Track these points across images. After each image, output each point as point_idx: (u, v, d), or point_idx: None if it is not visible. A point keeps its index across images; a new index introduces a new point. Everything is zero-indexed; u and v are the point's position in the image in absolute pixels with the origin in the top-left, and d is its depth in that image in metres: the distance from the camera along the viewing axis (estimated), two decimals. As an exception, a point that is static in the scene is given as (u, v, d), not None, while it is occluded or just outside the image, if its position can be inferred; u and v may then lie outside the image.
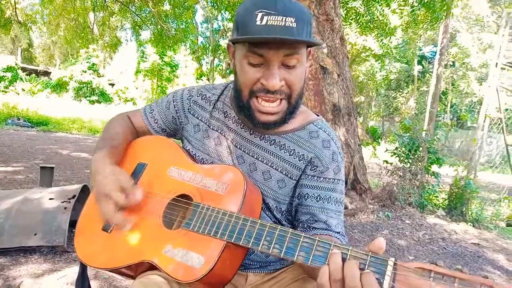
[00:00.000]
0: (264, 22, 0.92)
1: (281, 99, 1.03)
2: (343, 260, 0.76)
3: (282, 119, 1.07)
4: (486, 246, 3.94)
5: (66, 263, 2.65)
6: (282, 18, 0.92)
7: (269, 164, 1.13)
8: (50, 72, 26.78)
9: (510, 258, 3.69)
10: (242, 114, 1.12)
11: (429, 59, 23.63)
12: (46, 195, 2.94)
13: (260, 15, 0.92)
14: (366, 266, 0.73)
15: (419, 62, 23.38)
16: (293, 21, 0.92)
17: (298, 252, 0.82)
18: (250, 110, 1.05)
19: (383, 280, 0.70)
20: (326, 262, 0.77)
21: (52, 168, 3.68)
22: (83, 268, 1.20)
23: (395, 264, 0.71)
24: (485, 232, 4.53)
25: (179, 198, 1.07)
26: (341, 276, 0.74)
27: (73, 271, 2.52)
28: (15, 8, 9.76)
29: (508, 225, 5.17)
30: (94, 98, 23.88)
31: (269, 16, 0.92)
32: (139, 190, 1.02)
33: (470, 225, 4.74)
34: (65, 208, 2.81)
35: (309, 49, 1.09)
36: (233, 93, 1.14)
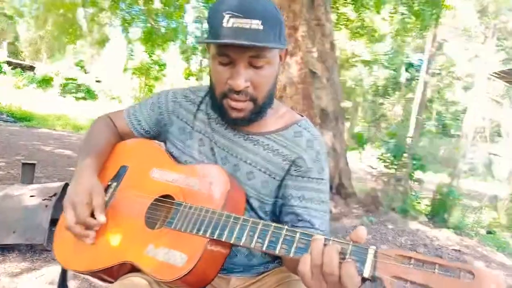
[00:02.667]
0: (230, 25, 0.93)
1: (247, 100, 1.04)
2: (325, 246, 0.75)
3: (249, 116, 1.08)
4: (467, 253, 4.00)
5: (45, 262, 2.60)
6: (249, 21, 0.93)
7: (253, 165, 1.13)
8: (35, 67, 26.39)
9: (490, 265, 3.74)
10: (216, 112, 1.15)
11: (417, 67, 23.92)
12: (27, 192, 2.88)
13: (227, 17, 0.93)
14: (348, 254, 0.72)
15: (407, 70, 23.66)
16: (259, 23, 0.93)
17: (280, 245, 0.81)
18: (223, 109, 1.08)
19: (363, 268, 0.70)
20: (308, 252, 0.77)
21: (34, 164, 3.62)
22: (64, 271, 1.18)
23: (376, 252, 0.71)
24: (466, 239, 4.59)
25: (162, 199, 1.05)
26: (321, 262, 0.73)
27: (52, 271, 2.48)
28: (2, 1, 9.60)
29: (488, 232, 5.26)
30: (80, 95, 23.58)
31: (236, 19, 0.93)
32: (103, 215, 1.00)
33: (452, 231, 4.80)
34: (46, 206, 2.76)
35: (285, 48, 1.10)
36: (209, 91, 1.16)
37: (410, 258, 0.67)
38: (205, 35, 1.05)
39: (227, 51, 0.98)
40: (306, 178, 1.12)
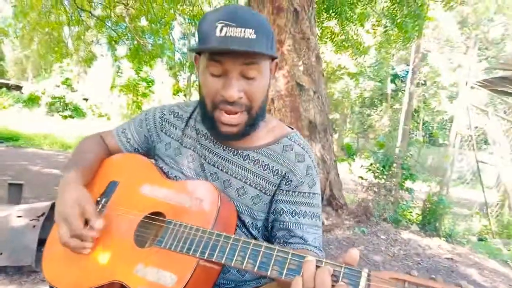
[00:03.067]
0: (223, 34, 0.93)
1: (241, 111, 1.03)
2: (318, 268, 0.74)
3: (243, 131, 1.06)
4: (459, 261, 4.00)
5: (33, 284, 2.53)
6: (241, 30, 0.93)
7: (243, 180, 1.12)
8: (22, 87, 26.15)
9: (483, 272, 3.75)
10: (206, 126, 1.12)
11: (402, 78, 24.27)
12: (14, 213, 2.83)
13: (220, 26, 0.94)
14: (340, 277, 0.72)
15: (392, 81, 24.00)
16: (252, 32, 0.94)
17: (272, 266, 0.80)
18: (213, 122, 1.06)
19: None
20: (300, 274, 0.76)
21: (21, 184, 3.56)
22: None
23: (369, 275, 0.70)
24: (458, 247, 4.60)
25: (152, 216, 1.04)
26: (313, 285, 0.72)
27: (41, 292, 2.42)
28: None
29: (479, 239, 5.28)
30: (67, 113, 23.39)
31: (228, 28, 0.93)
32: (100, 220, 0.99)
33: (444, 240, 4.81)
34: (34, 226, 2.71)
35: (275, 61, 1.10)
36: (199, 103, 1.13)
37: (404, 281, 0.67)
38: (196, 45, 1.03)
39: (220, 59, 0.97)
40: (297, 192, 1.11)
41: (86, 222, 0.99)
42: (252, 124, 1.07)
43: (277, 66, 1.14)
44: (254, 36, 0.94)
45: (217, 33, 0.93)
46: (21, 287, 2.47)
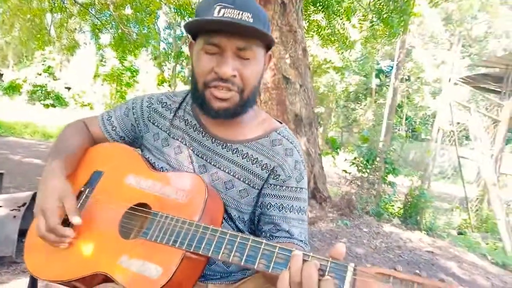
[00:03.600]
0: (221, 14, 0.94)
1: (234, 91, 1.03)
2: (304, 262, 0.75)
3: (234, 109, 1.05)
4: (440, 254, 4.08)
5: (14, 275, 2.49)
6: (239, 12, 0.95)
7: (231, 174, 1.11)
8: (2, 74, 25.54)
9: (462, 265, 3.83)
10: (197, 105, 1.11)
11: (386, 73, 24.48)
12: (-6, 203, 2.77)
13: (218, 8, 0.95)
14: (327, 271, 0.72)
15: (377, 76, 24.18)
16: (249, 16, 0.96)
17: (259, 260, 0.80)
18: (204, 99, 1.05)
19: (343, 286, 0.70)
20: (287, 268, 0.76)
21: (2, 174, 3.49)
22: (33, 281, 1.13)
23: (355, 269, 0.71)
24: (439, 240, 4.69)
25: (137, 207, 1.02)
26: (300, 279, 0.73)
27: (22, 283, 2.38)
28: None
29: (459, 233, 5.40)
30: (49, 102, 22.97)
31: (226, 9, 0.94)
32: (77, 217, 0.97)
33: (424, 233, 4.90)
34: (15, 216, 2.65)
35: (268, 53, 1.11)
36: (191, 85, 1.12)
37: (389, 276, 0.68)
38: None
39: (215, 38, 0.98)
40: (284, 187, 1.11)
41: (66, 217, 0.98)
42: (243, 105, 1.06)
43: (271, 59, 1.15)
44: (251, 20, 0.96)
45: (215, 14, 0.94)
46: (1, 278, 2.43)
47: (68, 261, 0.98)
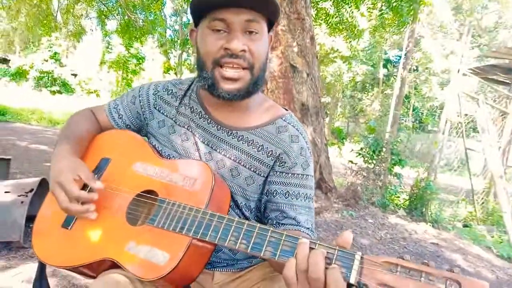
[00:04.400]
0: None
1: (243, 68, 1.02)
2: (311, 250, 0.74)
3: (246, 89, 1.04)
4: (445, 246, 4.07)
5: (22, 260, 2.52)
6: None
7: (237, 161, 1.11)
8: (9, 60, 25.60)
9: (467, 258, 3.82)
10: (207, 88, 1.07)
11: (394, 63, 24.27)
12: (2, 188, 2.78)
13: None
14: (334, 260, 0.72)
15: (385, 66, 23.96)
16: None
17: (265, 247, 0.80)
18: (214, 80, 1.03)
19: (349, 274, 0.69)
20: (294, 255, 0.75)
21: (9, 160, 3.51)
22: (42, 266, 1.13)
23: (362, 258, 0.70)
24: (444, 232, 4.68)
25: (144, 194, 1.02)
26: (306, 266, 0.72)
27: (29, 268, 2.40)
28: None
29: (464, 226, 5.38)
30: (55, 88, 23.02)
31: None
32: (98, 181, 0.98)
33: (430, 225, 4.89)
34: (22, 202, 2.67)
35: (270, 33, 1.10)
36: (197, 70, 1.11)
37: (396, 265, 0.67)
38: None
39: (222, 14, 0.98)
40: (290, 174, 1.11)
41: (83, 188, 0.98)
42: (253, 84, 1.05)
43: (271, 40, 1.14)
44: None
45: None
46: (8, 263, 2.46)
47: (76, 247, 0.99)
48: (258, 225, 0.83)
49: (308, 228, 1.08)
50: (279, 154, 1.10)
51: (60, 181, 0.95)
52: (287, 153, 1.10)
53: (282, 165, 1.11)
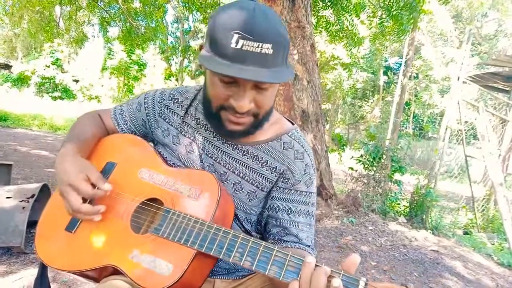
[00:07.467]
0: (239, 46, 0.87)
1: (248, 116, 1.01)
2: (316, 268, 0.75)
3: (247, 130, 1.05)
4: (445, 253, 4.07)
5: (23, 265, 2.52)
6: (259, 44, 0.87)
7: (241, 176, 1.11)
8: (11, 66, 25.66)
9: (467, 265, 3.82)
10: (210, 123, 1.10)
11: (394, 70, 24.30)
12: (3, 194, 2.80)
13: (236, 37, 0.87)
14: None
15: (385, 73, 23.98)
16: (269, 47, 0.88)
17: (270, 266, 0.81)
18: (219, 120, 1.03)
19: None
20: (298, 278, 0.77)
21: (10, 165, 3.52)
22: (43, 269, 1.14)
23: (366, 284, 0.72)
24: (444, 240, 4.67)
25: (149, 202, 1.03)
26: (309, 286, 0.74)
27: (30, 274, 2.41)
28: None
29: (465, 233, 5.37)
30: (56, 94, 23.05)
31: (245, 41, 0.86)
32: (107, 183, 0.98)
33: (430, 232, 4.88)
34: (23, 207, 2.68)
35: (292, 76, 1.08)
36: (202, 99, 1.10)
37: None
38: (207, 46, 0.95)
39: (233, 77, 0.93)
40: (293, 190, 1.11)
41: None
42: (257, 125, 1.05)
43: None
44: (271, 51, 0.89)
45: (233, 44, 0.87)
46: (9, 268, 2.46)
47: (79, 251, 0.99)
48: (264, 243, 0.84)
49: (309, 246, 1.09)
50: (283, 171, 1.11)
51: (71, 182, 0.95)
52: (291, 170, 1.11)
53: (286, 181, 1.11)
